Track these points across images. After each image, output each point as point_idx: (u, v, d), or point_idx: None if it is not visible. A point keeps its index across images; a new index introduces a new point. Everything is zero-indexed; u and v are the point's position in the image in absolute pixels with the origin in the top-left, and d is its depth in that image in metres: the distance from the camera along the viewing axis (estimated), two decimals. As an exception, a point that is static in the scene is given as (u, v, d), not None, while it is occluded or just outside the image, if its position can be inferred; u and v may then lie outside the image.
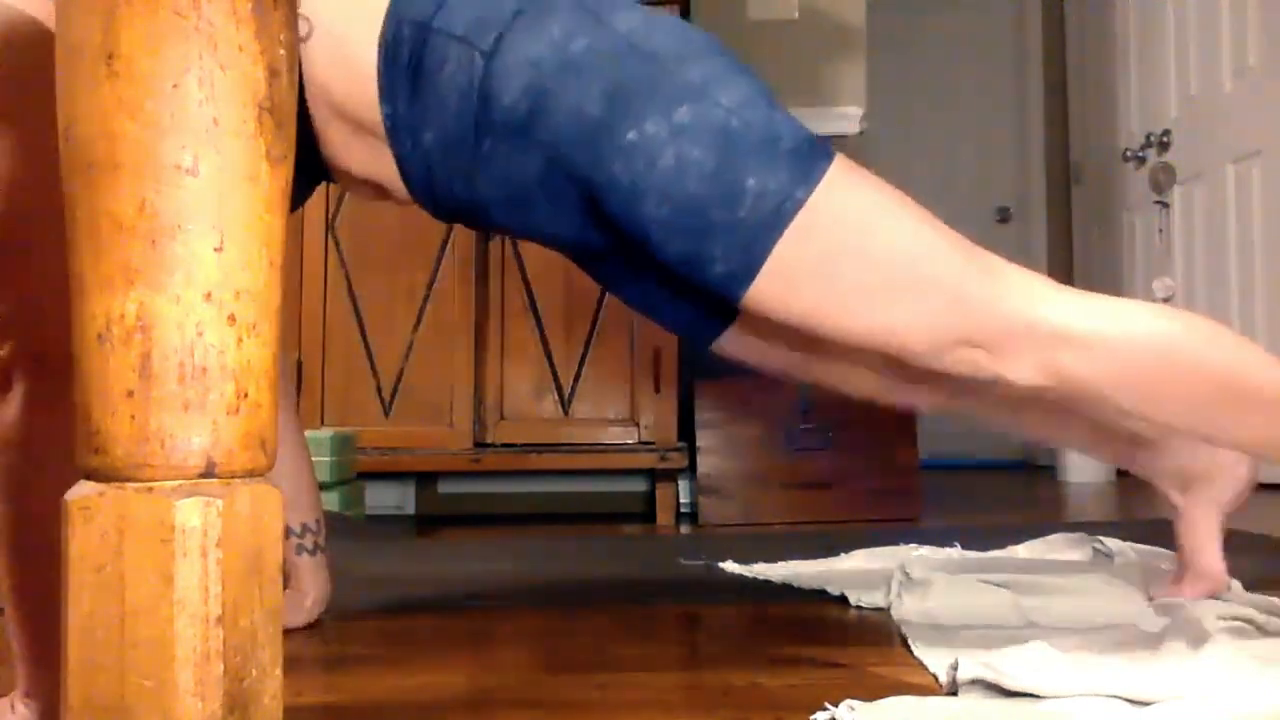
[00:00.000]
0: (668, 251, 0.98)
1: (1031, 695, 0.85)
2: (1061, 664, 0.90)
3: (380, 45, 1.00)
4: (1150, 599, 1.24)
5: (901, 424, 2.53)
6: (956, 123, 4.67)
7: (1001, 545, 1.69)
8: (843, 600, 1.38)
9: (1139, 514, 2.51)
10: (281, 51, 0.60)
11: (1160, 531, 1.76)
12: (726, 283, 0.97)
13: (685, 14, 2.74)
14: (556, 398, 2.62)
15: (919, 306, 0.96)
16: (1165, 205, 3.47)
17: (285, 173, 0.61)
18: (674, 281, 1.07)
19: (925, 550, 1.67)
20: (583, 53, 0.97)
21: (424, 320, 2.61)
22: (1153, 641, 1.00)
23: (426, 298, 2.61)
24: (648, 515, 2.68)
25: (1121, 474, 3.61)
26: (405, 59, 0.99)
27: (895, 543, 1.77)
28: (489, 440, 2.59)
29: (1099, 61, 4.01)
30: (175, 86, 0.56)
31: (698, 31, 1.03)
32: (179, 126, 0.56)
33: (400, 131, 1.01)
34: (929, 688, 0.92)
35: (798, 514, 2.48)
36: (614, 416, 2.62)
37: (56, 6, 0.58)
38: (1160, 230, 3.51)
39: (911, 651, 1.08)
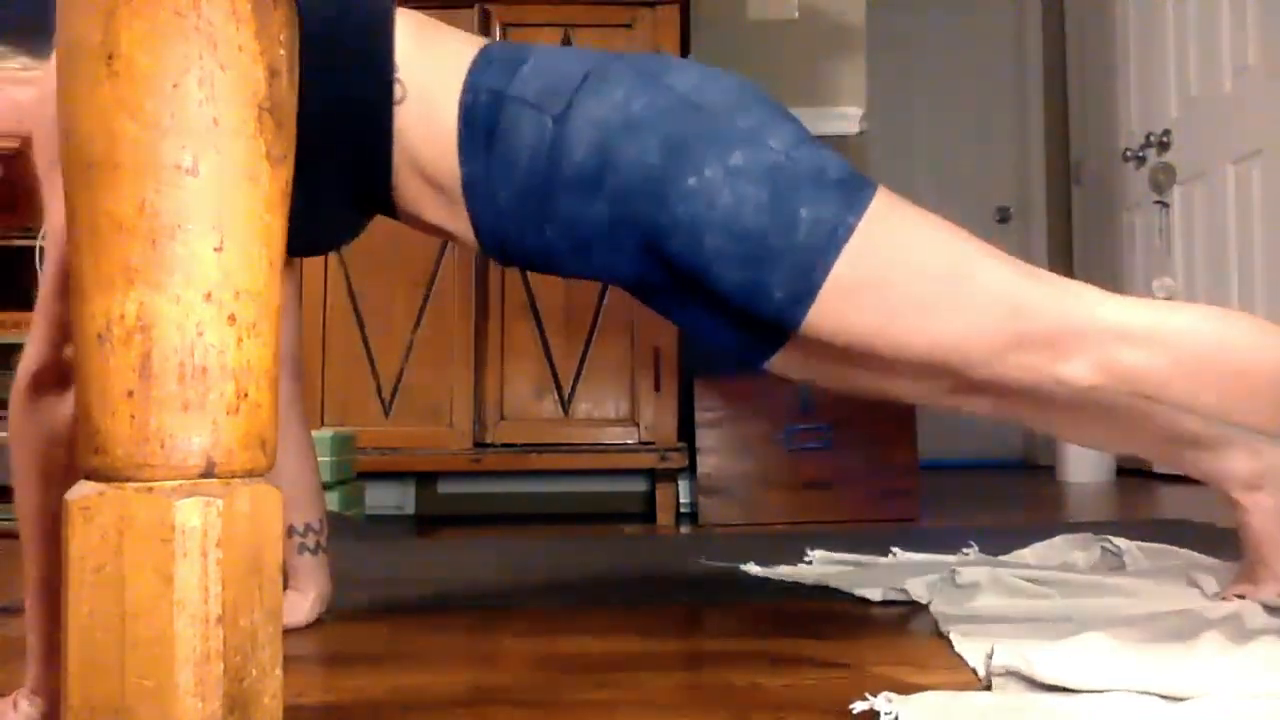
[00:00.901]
0: (728, 282, 1.05)
1: (1063, 688, 0.85)
2: (1096, 658, 0.90)
3: (460, 110, 1.09)
4: (1218, 596, 1.24)
5: (901, 424, 2.53)
6: (956, 123, 4.67)
7: (1006, 548, 1.68)
8: (845, 600, 1.38)
9: (1139, 514, 2.51)
10: (281, 52, 0.60)
11: (1160, 532, 1.76)
12: (786, 308, 1.04)
13: (685, 14, 2.73)
14: (556, 398, 2.62)
15: (975, 316, 1.02)
16: (1165, 205, 3.47)
17: (285, 173, 0.61)
18: (724, 311, 1.13)
19: (971, 553, 1.66)
20: (642, 111, 1.06)
21: (424, 320, 2.61)
22: (1191, 639, 0.99)
23: (426, 298, 2.61)
24: (648, 515, 2.68)
25: (1121, 474, 3.61)
26: (482, 123, 1.09)
27: (896, 543, 1.77)
28: (489, 440, 2.59)
29: (1099, 61, 4.01)
30: (175, 86, 0.56)
31: (747, 84, 1.11)
32: (179, 126, 0.56)
33: (476, 190, 1.10)
34: (929, 688, 0.92)
35: (798, 514, 2.48)
36: (614, 416, 2.61)
37: (57, 6, 0.58)
38: (1160, 230, 3.51)
39: (951, 645, 1.08)
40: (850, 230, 1.01)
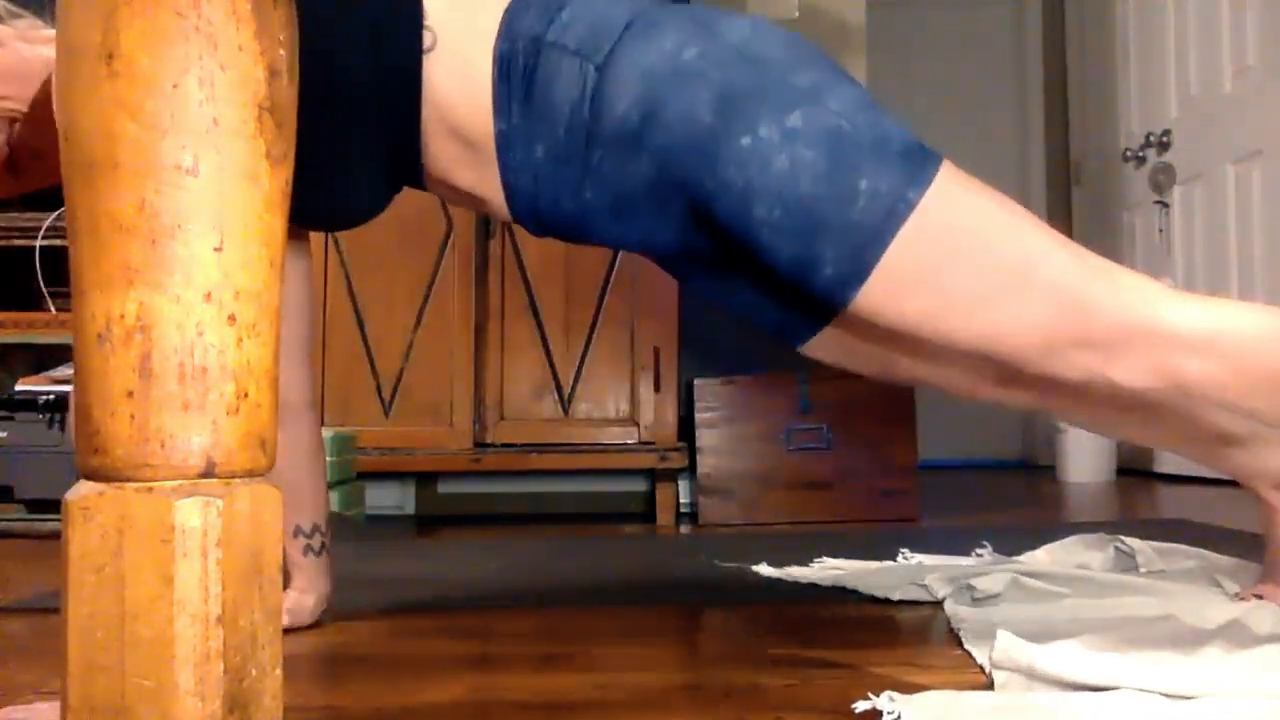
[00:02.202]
0: (778, 255, 0.98)
1: (1065, 684, 0.85)
2: (1099, 656, 0.90)
3: (495, 60, 1.02)
4: (1237, 597, 1.23)
5: (901, 424, 2.53)
6: (956, 123, 4.67)
7: (1013, 547, 1.67)
8: (845, 600, 1.38)
9: (1139, 514, 2.51)
10: (282, 51, 0.60)
11: (1160, 532, 1.76)
12: (836, 286, 0.97)
13: (685, 14, 2.73)
14: (556, 398, 2.62)
15: (1032, 309, 0.96)
16: (1165, 205, 3.47)
17: (285, 173, 0.61)
18: (769, 284, 1.07)
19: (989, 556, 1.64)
20: (694, 61, 0.98)
21: (424, 320, 2.61)
22: (1200, 639, 0.99)
23: (426, 298, 2.61)
24: (648, 515, 2.68)
25: (1121, 474, 3.61)
26: (520, 73, 1.01)
27: (896, 543, 1.77)
28: (489, 440, 2.59)
29: (1099, 61, 4.01)
30: (175, 86, 0.56)
31: (804, 41, 1.04)
32: (179, 126, 0.56)
33: (511, 146, 1.03)
34: (930, 688, 0.92)
35: (798, 514, 2.48)
36: (614, 416, 2.62)
37: (57, 7, 0.58)
38: (1160, 230, 3.50)
39: (953, 645, 1.08)
40: (910, 208, 0.95)
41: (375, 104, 1.04)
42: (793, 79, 0.98)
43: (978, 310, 0.97)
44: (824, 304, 1.02)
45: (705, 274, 1.12)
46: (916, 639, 1.19)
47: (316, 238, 2.61)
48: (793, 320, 1.11)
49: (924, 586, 1.37)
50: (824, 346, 1.16)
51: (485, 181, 1.06)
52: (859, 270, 0.96)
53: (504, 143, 1.03)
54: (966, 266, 0.96)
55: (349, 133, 1.06)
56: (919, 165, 0.97)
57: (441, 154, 1.07)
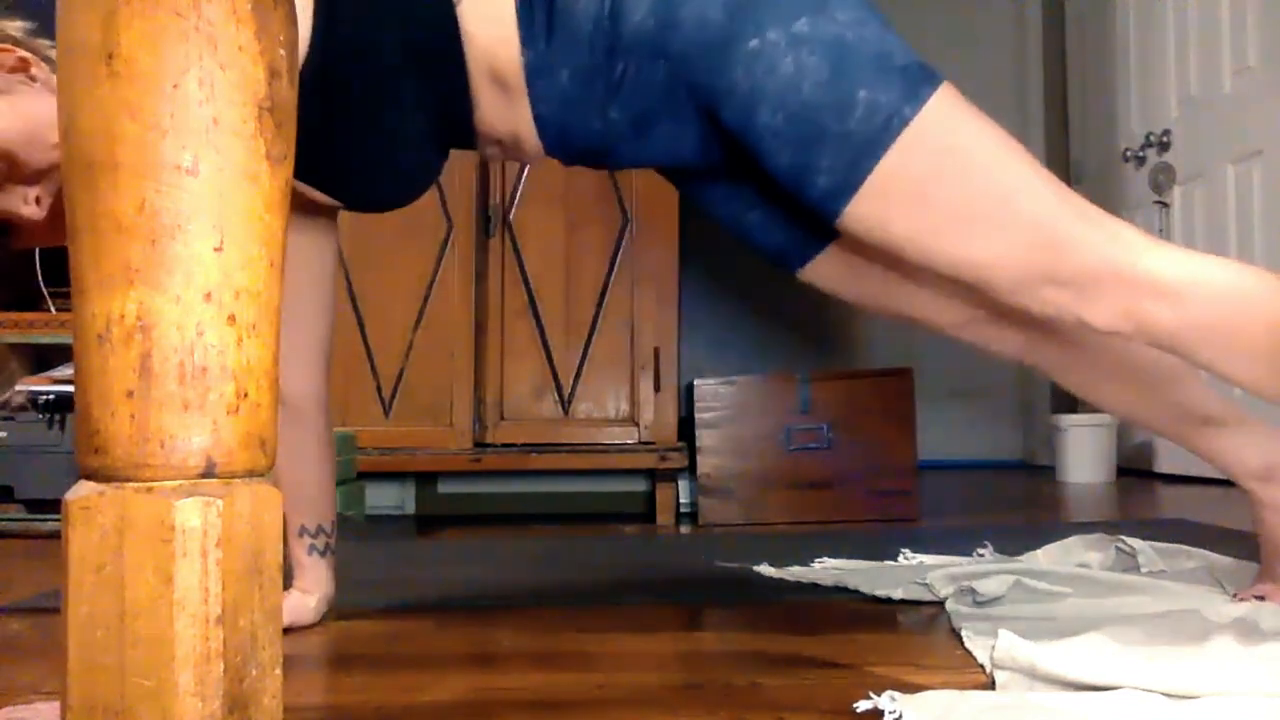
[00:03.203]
0: (777, 161, 1.01)
1: (1067, 684, 0.85)
2: (1100, 655, 0.90)
3: None
4: (1234, 597, 1.22)
5: (901, 424, 2.53)
6: (956, 123, 4.67)
7: (1013, 547, 1.67)
8: (845, 600, 1.38)
9: (1139, 514, 2.51)
10: (281, 51, 0.60)
11: (1160, 532, 1.76)
12: (829, 196, 1.00)
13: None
14: (556, 398, 2.62)
15: (1011, 240, 0.99)
16: (1165, 205, 3.47)
17: (285, 173, 0.61)
18: (773, 200, 1.10)
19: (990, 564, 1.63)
20: None
21: (424, 320, 2.61)
22: (1202, 639, 0.99)
23: (426, 297, 2.61)
24: (648, 515, 2.68)
25: (1121, 474, 3.61)
26: (541, 1, 1.04)
27: (896, 543, 1.77)
28: (489, 440, 2.59)
29: (1099, 61, 4.01)
30: (175, 86, 0.56)
31: None
32: (179, 126, 0.56)
33: (539, 74, 1.06)
34: (930, 688, 0.92)
35: (798, 514, 2.48)
36: (614, 416, 2.62)
37: (57, 6, 0.58)
38: (1160, 230, 3.50)
39: (953, 645, 1.08)
40: (905, 123, 0.97)
41: (417, 73, 1.07)
42: None
43: (962, 233, 0.99)
44: (819, 217, 1.05)
45: (717, 189, 1.15)
46: (917, 639, 1.19)
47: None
48: (793, 240, 1.15)
49: (926, 585, 1.37)
50: (821, 272, 1.20)
51: (519, 119, 1.10)
52: (851, 181, 0.99)
53: (532, 73, 1.06)
54: (952, 189, 0.99)
55: (396, 110, 1.08)
56: (918, 83, 0.99)
57: (486, 103, 1.10)
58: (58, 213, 1.14)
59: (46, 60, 1.12)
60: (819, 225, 1.13)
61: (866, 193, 0.99)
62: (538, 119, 1.09)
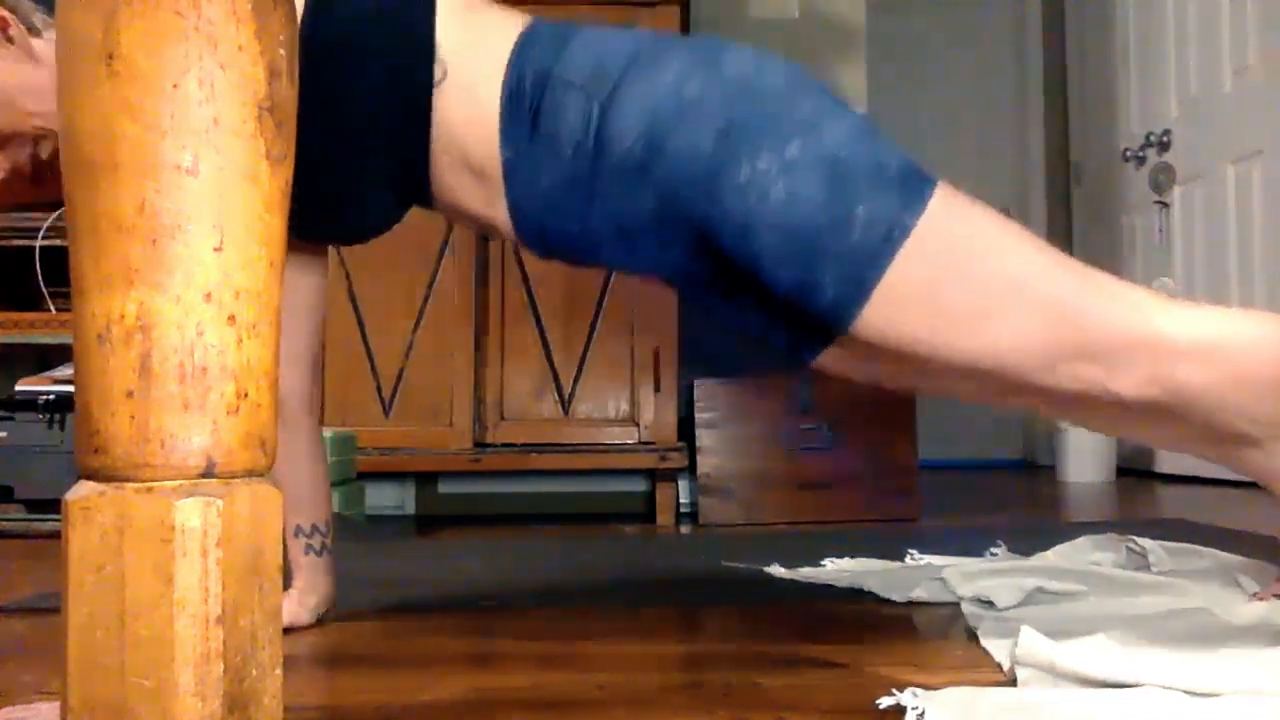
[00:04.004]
0: (778, 280, 1.01)
1: (1087, 681, 0.85)
2: (1120, 652, 0.90)
3: (503, 91, 1.05)
4: (1253, 596, 1.22)
5: (901, 424, 2.53)
6: (956, 123, 4.67)
7: (1022, 549, 1.66)
8: (845, 600, 1.38)
9: (1139, 514, 2.51)
10: (281, 51, 0.60)
11: (1162, 532, 1.76)
12: (836, 309, 1.00)
13: (685, 14, 2.73)
14: (556, 398, 2.62)
15: (1030, 325, 0.98)
16: (1165, 205, 3.47)
17: (285, 173, 0.61)
18: (773, 307, 1.08)
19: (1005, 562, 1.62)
20: (695, 96, 1.01)
21: (424, 320, 2.61)
22: (1222, 638, 0.99)
23: (426, 298, 2.61)
24: (648, 515, 2.68)
25: (1122, 474, 3.61)
26: (526, 105, 1.04)
27: (897, 543, 1.77)
28: (489, 440, 2.59)
29: (1099, 61, 4.01)
30: (175, 86, 0.56)
31: (804, 72, 1.06)
32: (179, 126, 0.56)
33: (518, 175, 1.06)
34: (930, 687, 0.92)
35: (798, 514, 2.48)
36: (614, 416, 2.61)
37: (57, 6, 0.58)
38: (1160, 230, 3.51)
39: (977, 640, 1.08)
40: (907, 232, 0.97)
41: (386, 134, 1.07)
42: (791, 110, 1.01)
43: (976, 327, 0.99)
44: (827, 325, 1.04)
45: (711, 297, 1.14)
46: (918, 639, 1.19)
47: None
48: (798, 340, 1.13)
49: (941, 581, 1.36)
50: (831, 362, 1.18)
51: (493, 206, 1.09)
52: (859, 293, 0.98)
53: (511, 170, 1.06)
54: (963, 284, 0.98)
55: (362, 159, 1.09)
56: (915, 189, 0.99)
57: (450, 180, 1.10)
58: (19, 172, 1.15)
59: (29, 26, 1.13)
60: (822, 328, 1.10)
61: (875, 302, 0.98)
62: (515, 214, 1.08)
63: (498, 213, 1.09)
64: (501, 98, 1.04)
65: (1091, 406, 1.16)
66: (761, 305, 1.09)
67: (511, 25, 1.09)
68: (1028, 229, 1.04)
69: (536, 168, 1.05)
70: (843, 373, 1.20)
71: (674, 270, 1.09)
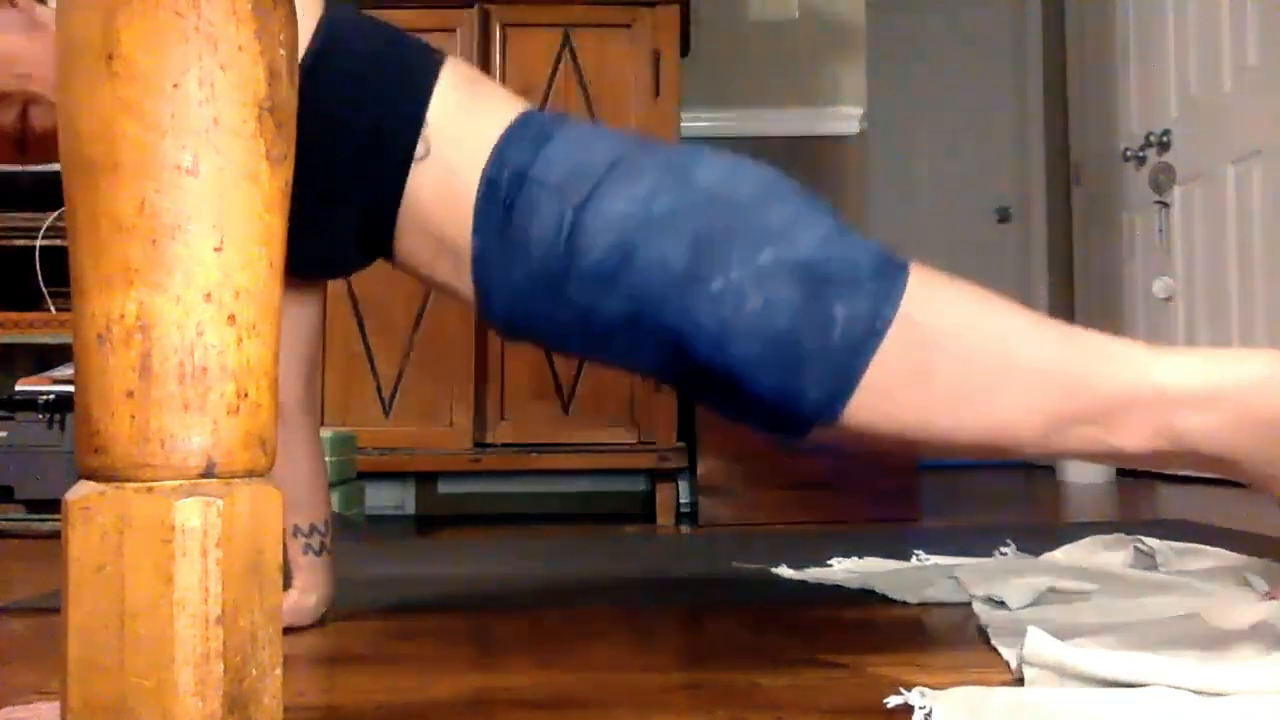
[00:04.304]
0: (759, 384, 1.00)
1: (1096, 681, 0.85)
2: (1130, 653, 0.90)
3: (482, 181, 1.05)
4: (1265, 595, 1.22)
5: (901, 424, 2.53)
6: (956, 123, 4.67)
7: (1027, 547, 1.66)
8: (845, 600, 1.38)
9: (1139, 514, 2.51)
10: (281, 51, 0.60)
11: (1162, 532, 1.76)
12: (822, 406, 0.99)
13: (685, 14, 2.73)
14: (556, 398, 2.62)
15: (1023, 399, 0.97)
16: (1165, 205, 3.47)
17: (285, 173, 0.61)
18: (755, 403, 1.07)
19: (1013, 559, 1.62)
20: (667, 208, 1.01)
21: (424, 320, 2.61)
22: (1231, 638, 0.99)
23: (426, 298, 2.60)
24: (648, 515, 2.68)
25: (1122, 474, 3.61)
26: (501, 201, 1.04)
27: (897, 543, 1.77)
28: (489, 440, 2.59)
29: (1099, 61, 4.01)
30: (175, 86, 0.56)
31: (777, 176, 1.06)
32: (179, 126, 0.56)
33: (488, 264, 1.06)
34: (935, 687, 0.92)
35: (798, 514, 2.48)
36: (614, 416, 2.61)
37: (57, 6, 0.58)
38: (1160, 230, 3.51)
39: (990, 641, 1.08)
40: (887, 324, 0.96)
41: (358, 190, 1.08)
42: (763, 218, 1.00)
43: (967, 408, 0.98)
44: (812, 421, 1.03)
45: (688, 390, 1.14)
46: (919, 639, 1.19)
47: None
48: (783, 428, 1.12)
49: (954, 580, 1.36)
50: (822, 439, 1.17)
51: (459, 279, 1.09)
52: (843, 389, 0.98)
53: (480, 257, 1.06)
54: (949, 366, 0.98)
55: (331, 207, 1.09)
56: (890, 279, 0.98)
57: (414, 244, 1.11)
58: (3, 134, 1.15)
59: None
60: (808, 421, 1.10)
61: (861, 396, 0.98)
62: (482, 298, 1.08)
63: (463, 286, 1.09)
64: (479, 186, 1.05)
65: (1097, 457, 1.16)
66: (741, 402, 1.08)
67: (507, 111, 1.09)
68: (1003, 296, 1.03)
69: (507, 261, 1.05)
70: (836, 443, 1.20)
71: (647, 368, 1.09)
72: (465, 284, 1.09)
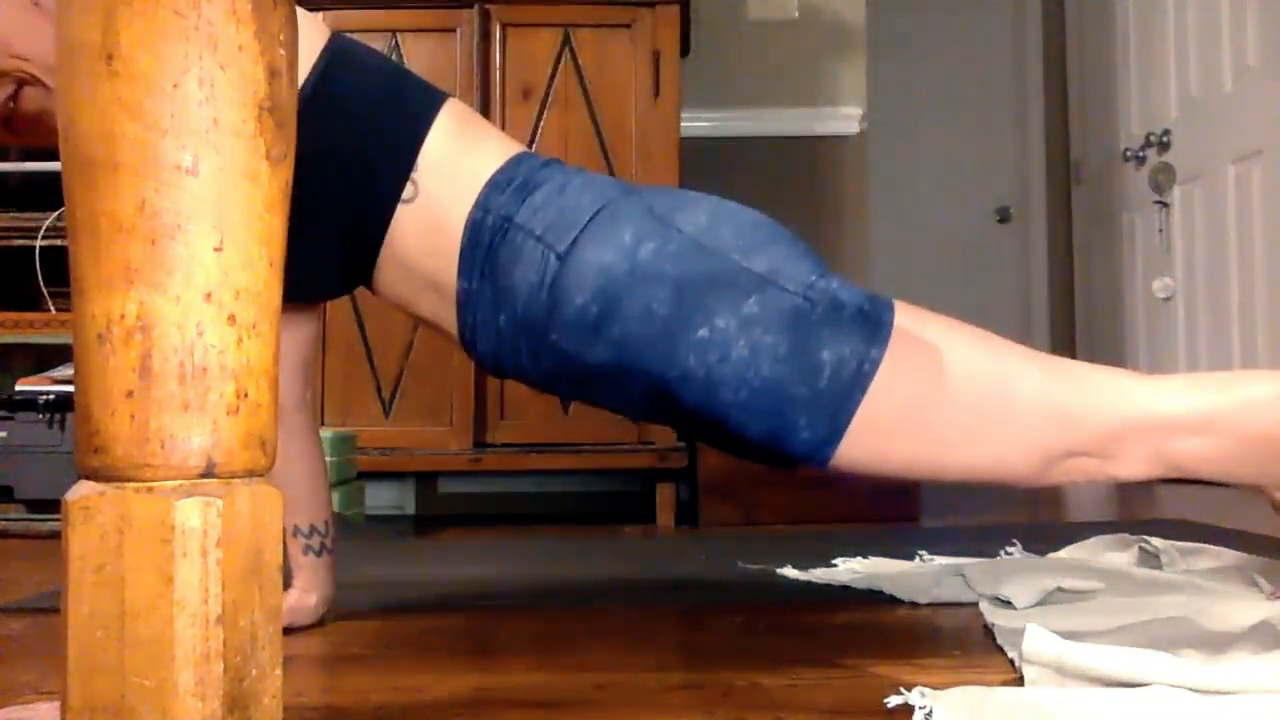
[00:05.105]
0: (748, 430, 1.00)
1: (1096, 680, 0.85)
2: (1131, 651, 0.89)
3: (467, 225, 1.06)
4: (1270, 595, 1.22)
5: (901, 424, 2.53)
6: (956, 123, 4.67)
7: (1032, 548, 1.66)
8: (845, 601, 1.37)
9: (1140, 514, 2.51)
10: (281, 51, 0.60)
11: (1163, 532, 1.76)
12: (813, 450, 0.99)
13: (685, 14, 2.73)
14: (556, 397, 2.62)
15: (1015, 432, 0.98)
16: (1165, 205, 3.47)
17: (285, 173, 0.61)
18: (745, 444, 1.07)
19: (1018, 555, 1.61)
20: (651, 257, 1.01)
21: (424, 320, 2.61)
22: (1233, 637, 0.99)
23: (426, 298, 2.60)
24: (648, 515, 2.68)
25: (1121, 474, 3.60)
26: (486, 243, 1.05)
27: (898, 542, 1.77)
28: (489, 440, 2.59)
29: (1099, 61, 4.01)
30: (175, 86, 0.56)
31: (761, 220, 1.06)
32: (179, 126, 0.56)
33: (473, 306, 1.07)
34: (936, 687, 0.92)
35: (798, 514, 2.48)
36: (614, 416, 2.61)
37: (57, 6, 0.58)
38: (1160, 230, 3.50)
39: (994, 638, 1.08)
40: (875, 365, 0.97)
41: (342, 222, 1.09)
42: (747, 264, 1.00)
43: (963, 443, 0.98)
44: (803, 462, 1.03)
45: (680, 429, 1.14)
46: (919, 639, 1.19)
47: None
48: (777, 464, 1.12)
49: (961, 578, 1.36)
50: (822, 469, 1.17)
51: (442, 317, 1.10)
52: (834, 433, 0.98)
53: (465, 299, 1.07)
54: (941, 403, 0.98)
55: (315, 236, 1.09)
56: (875, 321, 0.99)
57: (395, 277, 1.11)
58: None
59: None
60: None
61: (852, 437, 0.98)
62: (467, 339, 1.09)
63: (445, 323, 1.10)
64: (465, 228, 1.05)
65: (1096, 484, 1.16)
66: (731, 443, 1.08)
67: (500, 154, 1.10)
68: (989, 331, 1.03)
69: (492, 305, 1.05)
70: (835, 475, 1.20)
71: (637, 411, 1.09)
72: (448, 321, 1.10)
